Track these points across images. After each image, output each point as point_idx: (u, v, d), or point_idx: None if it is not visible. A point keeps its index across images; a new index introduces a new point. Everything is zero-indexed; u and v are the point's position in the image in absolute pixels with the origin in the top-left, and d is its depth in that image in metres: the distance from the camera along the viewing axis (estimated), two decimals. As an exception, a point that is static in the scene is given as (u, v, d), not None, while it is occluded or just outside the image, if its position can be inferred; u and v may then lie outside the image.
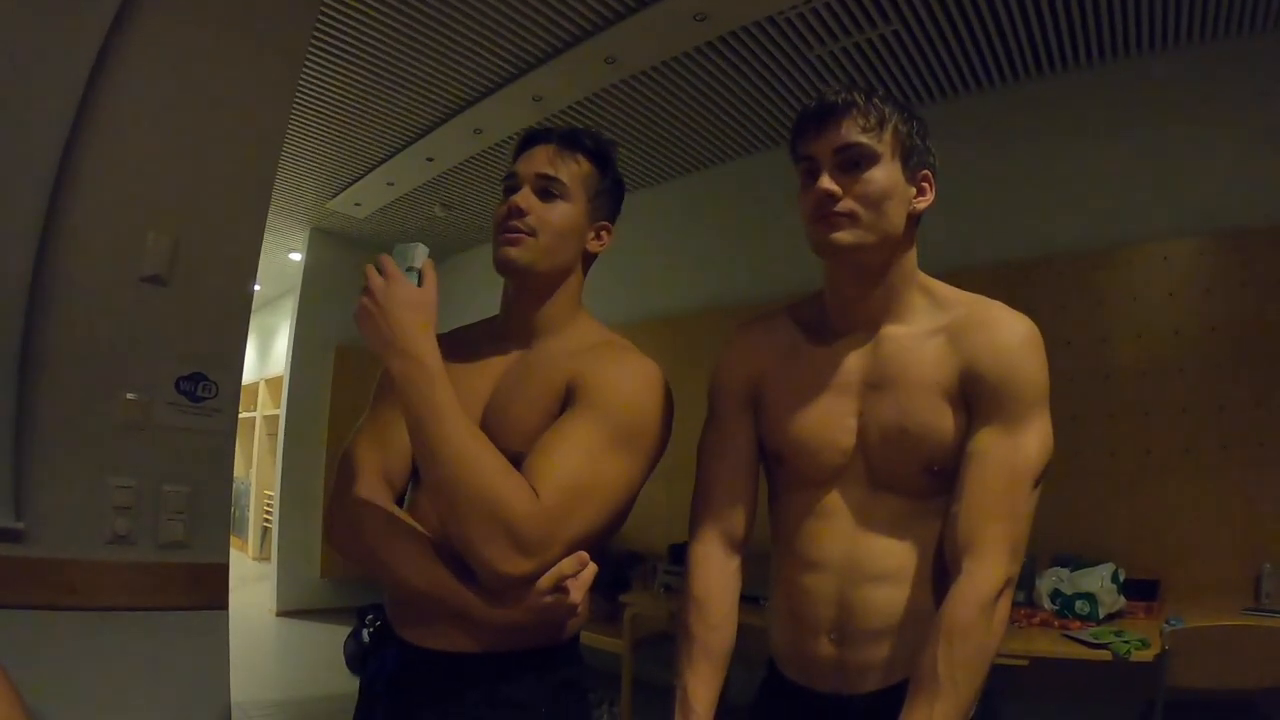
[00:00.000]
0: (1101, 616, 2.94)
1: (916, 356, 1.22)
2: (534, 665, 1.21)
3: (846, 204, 1.16)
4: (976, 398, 1.17)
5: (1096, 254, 3.61)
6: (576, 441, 1.14)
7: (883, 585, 1.19)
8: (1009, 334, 1.19)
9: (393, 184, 5.57)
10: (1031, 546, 3.35)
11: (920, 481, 1.20)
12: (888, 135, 1.18)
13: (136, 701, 1.77)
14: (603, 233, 1.38)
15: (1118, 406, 3.45)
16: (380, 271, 1.11)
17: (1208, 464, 3.21)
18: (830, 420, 1.24)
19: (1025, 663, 2.60)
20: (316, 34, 3.63)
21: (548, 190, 1.30)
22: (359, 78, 4.16)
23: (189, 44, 1.96)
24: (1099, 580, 3.00)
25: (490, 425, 1.23)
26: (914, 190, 1.23)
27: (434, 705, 1.19)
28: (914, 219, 1.25)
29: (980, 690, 1.07)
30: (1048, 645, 2.72)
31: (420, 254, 1.14)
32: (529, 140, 1.37)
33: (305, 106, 4.44)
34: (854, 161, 1.16)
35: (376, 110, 4.54)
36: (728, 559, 1.31)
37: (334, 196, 5.94)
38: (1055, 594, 3.05)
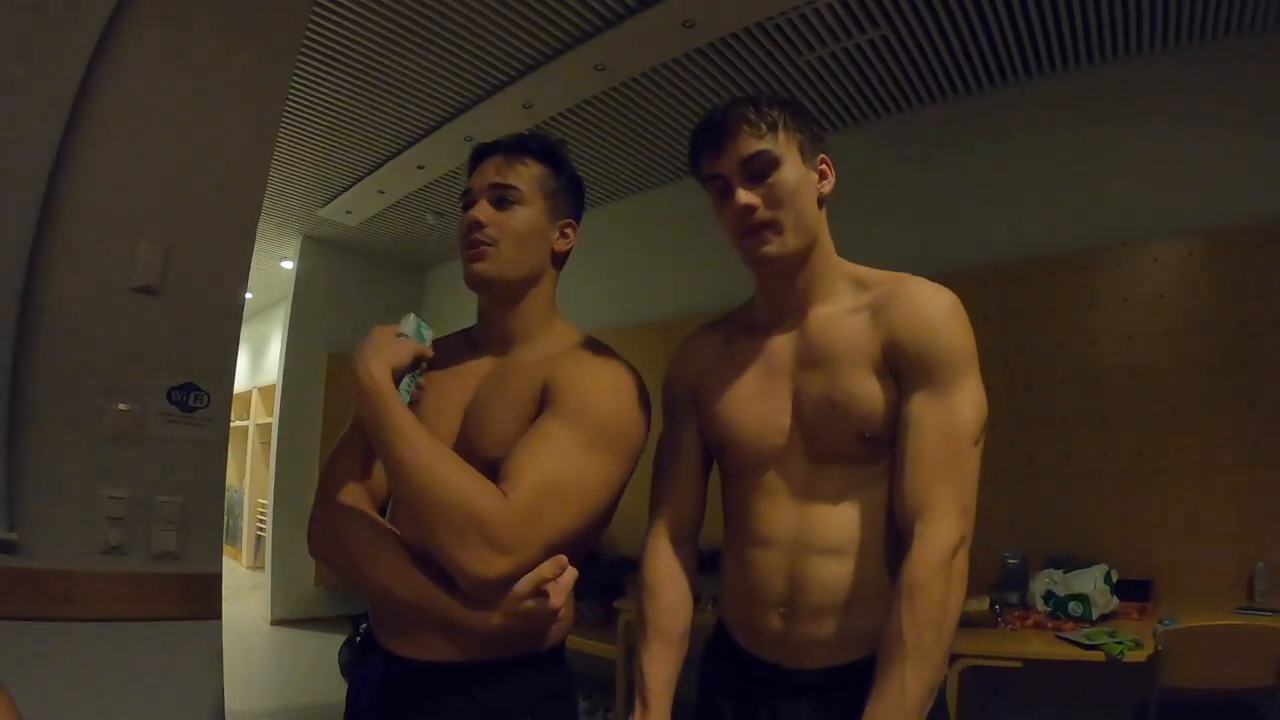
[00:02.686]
0: (1095, 617, 2.94)
1: (842, 332, 1.27)
2: (518, 674, 1.21)
3: (765, 213, 1.22)
4: (902, 368, 1.21)
5: (1086, 256, 3.63)
6: (548, 441, 1.15)
7: (830, 559, 1.22)
8: (927, 303, 1.23)
9: (384, 192, 5.57)
10: (1024, 548, 3.33)
11: (855, 449, 1.24)
12: (782, 135, 1.23)
13: (130, 712, 1.77)
14: (567, 230, 1.38)
15: (1108, 408, 3.46)
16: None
17: (1199, 464, 3.22)
18: (765, 402, 1.30)
19: (1019, 665, 2.61)
20: (307, 42, 3.64)
21: (503, 198, 1.31)
22: (350, 86, 4.16)
23: (179, 54, 1.96)
24: (1092, 581, 3.00)
25: (469, 433, 1.25)
26: (817, 176, 1.29)
27: (419, 716, 1.19)
28: (822, 202, 1.31)
29: (948, 652, 1.09)
30: (1041, 647, 2.72)
31: (409, 324, 1.25)
32: (478, 156, 1.39)
33: (296, 114, 4.44)
34: (760, 170, 1.22)
35: (367, 118, 4.54)
36: (677, 549, 1.38)
37: (325, 205, 5.93)
38: (1048, 595, 3.06)
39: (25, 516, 1.68)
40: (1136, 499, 3.34)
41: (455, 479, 1.09)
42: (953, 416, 1.17)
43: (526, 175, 1.33)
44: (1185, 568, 3.18)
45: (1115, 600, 3.01)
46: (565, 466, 1.14)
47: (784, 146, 1.23)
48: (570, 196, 1.40)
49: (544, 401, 1.21)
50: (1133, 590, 3.09)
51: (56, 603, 1.70)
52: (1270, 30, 3.31)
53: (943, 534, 1.11)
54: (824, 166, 1.30)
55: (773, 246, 1.24)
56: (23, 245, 1.69)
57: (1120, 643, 2.59)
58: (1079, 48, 3.63)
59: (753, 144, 1.22)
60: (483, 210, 1.30)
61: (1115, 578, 3.05)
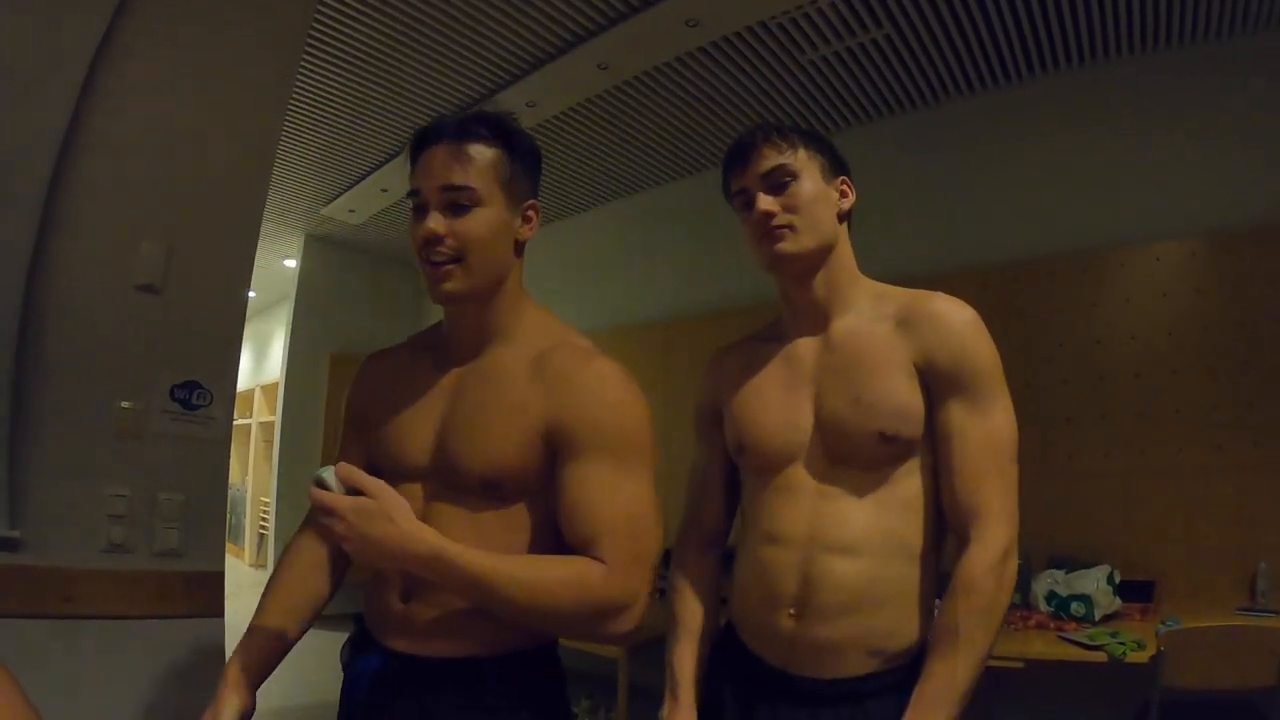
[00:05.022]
0: (1097, 618, 2.94)
1: (867, 338, 1.32)
2: (515, 669, 1.22)
3: (783, 218, 1.31)
4: (936, 381, 1.26)
5: (1089, 256, 3.63)
6: (609, 489, 1.16)
7: (844, 558, 1.24)
8: (955, 321, 1.28)
9: (387, 190, 5.56)
10: (1027, 548, 3.34)
11: (875, 451, 1.26)
12: (801, 153, 1.33)
13: (132, 710, 1.77)
14: (529, 213, 1.27)
15: (1112, 408, 3.45)
16: (324, 488, 1.08)
17: (1202, 464, 3.22)
18: (787, 404, 1.35)
19: (1021, 665, 2.61)
20: (310, 40, 3.64)
21: (457, 203, 1.18)
22: (353, 84, 4.16)
23: (182, 52, 1.96)
24: (1094, 582, 3.00)
25: (453, 449, 1.22)
26: (837, 194, 1.37)
27: (416, 710, 1.20)
28: (843, 219, 1.39)
29: (991, 648, 1.17)
30: (1043, 647, 2.72)
31: (331, 475, 1.09)
32: (419, 144, 1.24)
33: (299, 113, 4.45)
34: (779, 182, 1.32)
35: (370, 117, 4.54)
36: (703, 552, 1.50)
37: (329, 203, 5.93)
38: (1051, 596, 3.05)
39: (28, 514, 1.69)
40: (1139, 499, 3.34)
41: (558, 582, 1.11)
42: (993, 429, 1.24)
43: (480, 166, 1.19)
44: (1187, 568, 3.18)
45: (1118, 601, 3.01)
46: (633, 502, 1.17)
47: (803, 163, 1.33)
48: (528, 173, 1.27)
49: (560, 437, 1.18)
50: (1135, 591, 3.09)
51: (58, 600, 1.70)
52: (1273, 29, 3.30)
53: (997, 537, 1.19)
54: (844, 187, 1.39)
55: (787, 244, 1.30)
56: (26, 244, 1.70)
57: (1122, 643, 2.59)
58: (1081, 47, 3.63)
59: (774, 158, 1.32)
60: (437, 221, 1.18)
61: (1118, 578, 3.04)
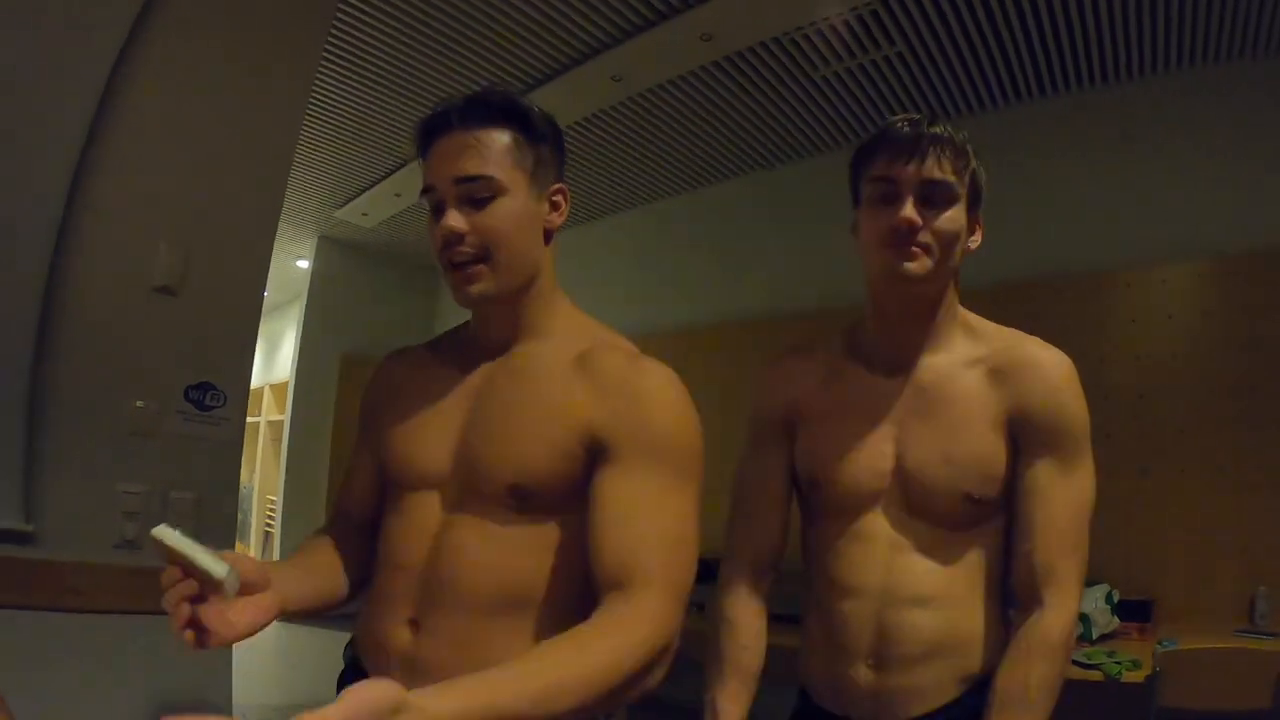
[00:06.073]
0: (1095, 637, 2.94)
1: (958, 386, 1.23)
2: None
3: (925, 236, 1.17)
4: (1027, 435, 1.19)
5: (1095, 277, 3.64)
6: (654, 507, 1.00)
7: (921, 609, 1.19)
8: (1054, 373, 1.22)
9: (400, 195, 5.59)
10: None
11: (959, 509, 1.20)
12: (967, 177, 1.21)
13: (141, 702, 1.80)
14: (557, 198, 1.14)
15: (1115, 427, 3.45)
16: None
17: (1203, 486, 3.22)
18: (868, 446, 1.25)
19: (1017, 681, 2.61)
20: (328, 47, 3.67)
21: (475, 196, 1.05)
22: (369, 90, 4.21)
23: (202, 58, 2.00)
24: (1092, 601, 3.00)
25: (478, 451, 1.09)
26: (970, 231, 1.26)
27: None
28: (960, 258, 1.27)
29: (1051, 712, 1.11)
30: (1040, 664, 2.72)
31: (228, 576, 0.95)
32: (428, 132, 1.11)
33: (315, 117, 4.49)
34: (938, 198, 1.18)
35: (385, 122, 4.58)
36: (757, 582, 1.34)
37: (342, 206, 5.97)
38: (1049, 613, 3.05)
39: (42, 509, 1.72)
40: (1140, 519, 3.33)
41: (606, 669, 0.87)
42: (1079, 491, 1.17)
43: (497, 152, 1.07)
44: (1187, 589, 3.18)
45: (1116, 620, 3.00)
46: (678, 524, 1.01)
47: (964, 188, 1.21)
48: (553, 155, 1.14)
49: (601, 443, 1.04)
50: (1134, 610, 3.08)
51: (69, 594, 1.73)
52: (1283, 55, 3.32)
53: (1070, 605, 1.13)
54: (978, 224, 1.29)
55: (917, 265, 1.17)
56: (46, 245, 1.73)
57: (1119, 663, 2.59)
58: (1091, 68, 3.65)
59: (945, 170, 1.18)
60: (456, 219, 1.05)
61: (1116, 597, 3.04)
